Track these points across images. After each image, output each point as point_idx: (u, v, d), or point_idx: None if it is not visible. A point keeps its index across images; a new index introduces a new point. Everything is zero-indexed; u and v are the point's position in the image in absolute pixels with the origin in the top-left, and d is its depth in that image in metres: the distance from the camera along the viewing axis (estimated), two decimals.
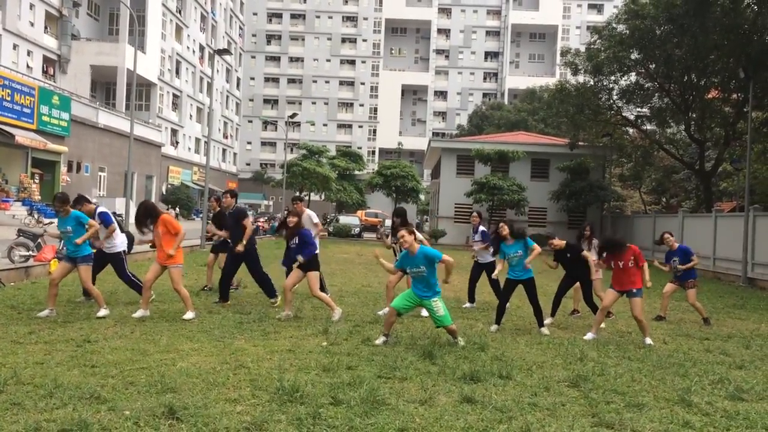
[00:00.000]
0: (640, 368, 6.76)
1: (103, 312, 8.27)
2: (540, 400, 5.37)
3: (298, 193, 46.77)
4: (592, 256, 9.67)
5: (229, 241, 10.55)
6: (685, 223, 24.28)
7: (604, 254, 8.50)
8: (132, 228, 9.90)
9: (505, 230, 8.77)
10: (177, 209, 49.58)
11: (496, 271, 9.62)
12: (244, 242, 9.76)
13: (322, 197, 51.86)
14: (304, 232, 8.91)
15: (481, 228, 10.92)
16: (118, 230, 9.46)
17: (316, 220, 10.92)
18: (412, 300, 7.47)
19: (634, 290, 8.21)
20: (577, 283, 9.85)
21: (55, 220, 26.15)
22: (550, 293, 13.67)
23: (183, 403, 4.74)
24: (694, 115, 28.79)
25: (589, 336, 8.35)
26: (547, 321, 9.58)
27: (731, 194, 37.47)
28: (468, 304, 10.97)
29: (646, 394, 5.74)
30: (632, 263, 8.25)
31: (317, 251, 10.30)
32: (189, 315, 8.35)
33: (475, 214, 11.26)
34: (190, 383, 5.35)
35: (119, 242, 9.43)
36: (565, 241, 9.62)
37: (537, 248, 8.71)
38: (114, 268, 9.49)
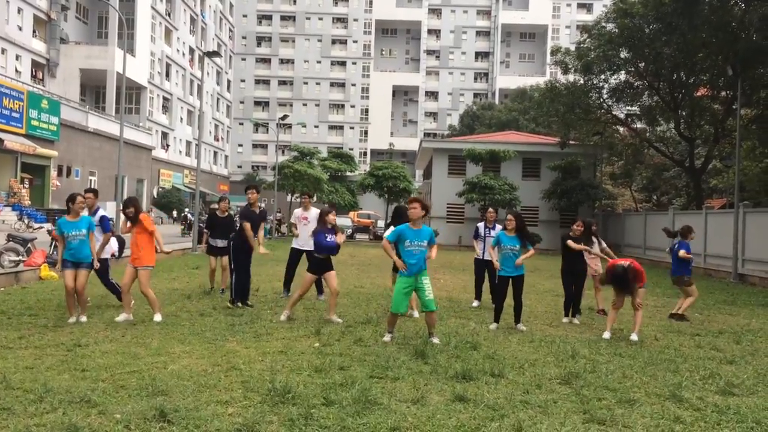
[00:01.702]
0: (632, 365, 6.79)
1: (72, 320, 8.12)
2: (532, 397, 5.38)
3: (288, 196, 46.79)
4: (594, 250, 9.77)
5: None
6: (676, 220, 24.38)
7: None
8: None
9: (511, 224, 8.77)
10: (174, 213, 49.36)
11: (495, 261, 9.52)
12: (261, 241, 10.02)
13: (315, 199, 51.78)
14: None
15: (499, 227, 10.83)
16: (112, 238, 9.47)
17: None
18: (407, 287, 7.46)
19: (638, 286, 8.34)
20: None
21: (45, 226, 25.66)
22: (542, 291, 13.77)
23: (174, 406, 4.72)
24: (684, 113, 28.95)
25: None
26: (576, 321, 9.68)
27: (721, 191, 37.69)
28: (476, 302, 11.04)
29: (637, 390, 5.77)
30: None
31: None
32: (157, 317, 8.32)
33: (491, 209, 11.16)
34: (182, 386, 5.32)
35: (108, 248, 9.36)
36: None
37: (532, 251, 8.80)
38: (97, 272, 9.25)
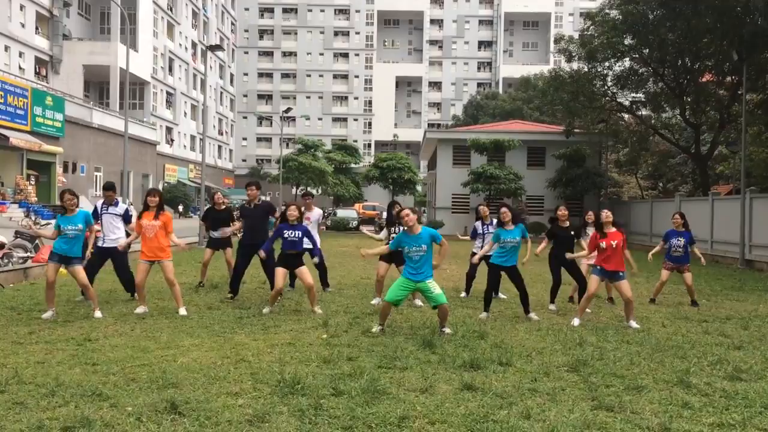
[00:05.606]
0: (639, 351, 6.79)
1: (98, 314, 8.21)
2: (540, 385, 5.40)
3: (293, 189, 46.81)
4: (583, 245, 9.73)
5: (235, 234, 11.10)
6: (682, 207, 24.28)
7: (606, 230, 8.47)
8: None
9: (507, 216, 8.75)
10: (180, 207, 49.47)
11: (481, 253, 9.74)
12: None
13: (319, 191, 51.90)
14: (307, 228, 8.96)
15: (495, 220, 10.72)
16: (122, 226, 9.55)
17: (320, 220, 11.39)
18: (406, 287, 7.41)
19: (621, 273, 8.33)
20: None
21: (52, 222, 25.83)
22: (549, 280, 13.73)
23: (185, 398, 4.77)
24: (689, 99, 28.79)
25: (576, 321, 8.39)
26: (552, 308, 9.66)
27: (727, 177, 37.52)
28: (464, 294, 11.03)
29: (645, 376, 5.78)
30: (622, 245, 8.38)
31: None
32: (182, 311, 8.47)
33: (483, 206, 10.92)
34: (192, 378, 5.37)
35: (123, 237, 9.49)
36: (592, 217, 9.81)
37: (529, 242, 8.98)
38: (116, 263, 9.55)
